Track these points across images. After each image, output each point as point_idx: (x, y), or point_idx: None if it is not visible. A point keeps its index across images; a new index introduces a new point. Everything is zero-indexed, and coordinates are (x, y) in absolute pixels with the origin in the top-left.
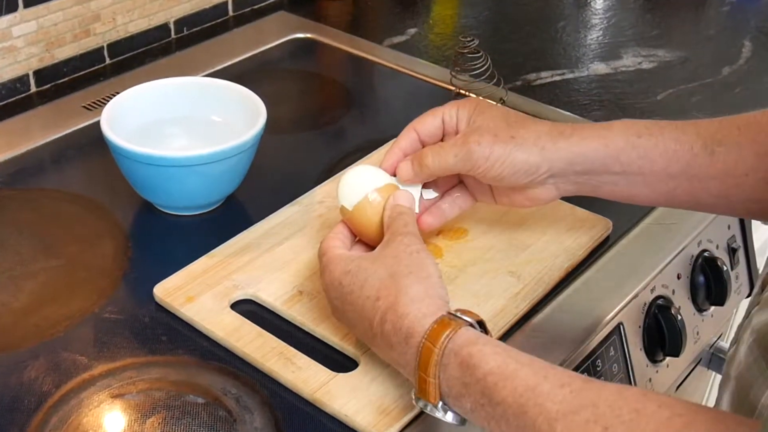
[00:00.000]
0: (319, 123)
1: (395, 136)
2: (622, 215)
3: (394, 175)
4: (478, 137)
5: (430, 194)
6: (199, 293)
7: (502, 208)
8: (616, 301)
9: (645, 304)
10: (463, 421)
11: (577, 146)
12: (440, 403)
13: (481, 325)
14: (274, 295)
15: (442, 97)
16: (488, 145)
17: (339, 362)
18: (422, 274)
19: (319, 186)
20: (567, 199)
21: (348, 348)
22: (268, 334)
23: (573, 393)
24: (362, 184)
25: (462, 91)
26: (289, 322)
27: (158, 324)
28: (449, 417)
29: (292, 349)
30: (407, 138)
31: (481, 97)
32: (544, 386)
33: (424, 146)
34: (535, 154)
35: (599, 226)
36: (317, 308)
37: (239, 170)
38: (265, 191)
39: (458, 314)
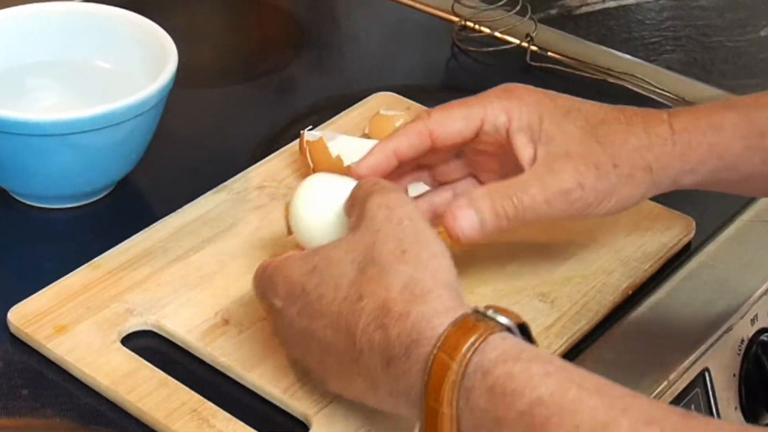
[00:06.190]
0: (256, 71)
1: (370, 91)
2: (708, 210)
3: None
4: (578, 175)
5: (419, 188)
6: (74, 321)
7: None
8: (700, 337)
9: (742, 341)
10: None
11: (685, 161)
12: None
13: (524, 332)
14: (186, 324)
15: (439, 31)
16: (592, 186)
17: (280, 425)
18: (422, 254)
19: (256, 165)
20: None
21: (293, 404)
22: (176, 382)
23: None
24: (327, 200)
25: (468, 24)
26: (208, 365)
27: (15, 368)
28: None
29: (210, 404)
30: (414, 138)
31: (507, 37)
32: (622, 423)
33: (435, 156)
34: (644, 183)
35: (676, 226)
36: (250, 344)
37: (137, 142)
38: (175, 172)
39: (489, 312)
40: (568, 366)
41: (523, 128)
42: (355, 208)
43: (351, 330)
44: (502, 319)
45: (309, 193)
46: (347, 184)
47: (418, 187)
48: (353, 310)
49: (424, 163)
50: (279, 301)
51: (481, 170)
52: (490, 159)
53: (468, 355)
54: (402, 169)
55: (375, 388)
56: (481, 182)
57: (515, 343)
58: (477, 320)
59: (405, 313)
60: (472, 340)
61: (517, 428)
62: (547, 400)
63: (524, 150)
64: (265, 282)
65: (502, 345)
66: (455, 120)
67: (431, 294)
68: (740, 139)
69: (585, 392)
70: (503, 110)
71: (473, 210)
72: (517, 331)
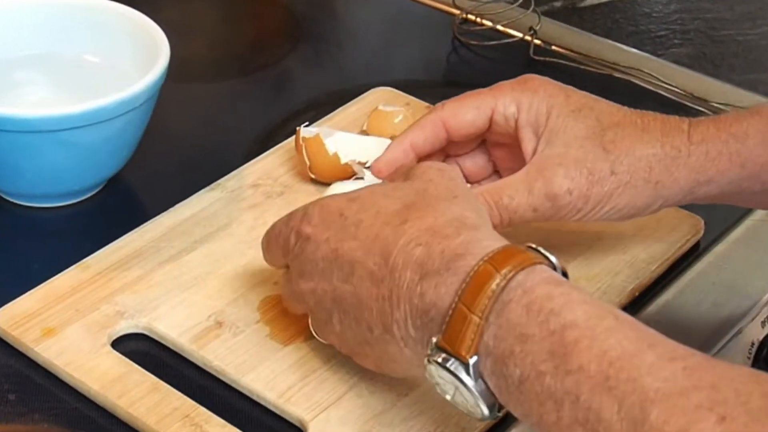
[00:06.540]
0: (251, 66)
1: (369, 86)
2: (718, 209)
3: None
4: (567, 180)
5: None
6: (63, 323)
7: None
8: (708, 340)
9: (752, 344)
10: (492, 408)
11: (701, 173)
12: (474, 360)
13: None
14: (178, 327)
15: (439, 25)
16: (582, 192)
17: (275, 430)
18: (472, 202)
19: (251, 162)
20: None
21: (289, 409)
22: (168, 386)
23: (687, 370)
24: None
25: (470, 17)
26: (202, 370)
27: (2, 372)
28: (477, 389)
29: (203, 410)
30: (429, 130)
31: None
32: (648, 356)
33: (450, 149)
34: (647, 194)
35: (684, 226)
36: (244, 347)
37: (128, 138)
38: (167, 170)
39: (540, 248)
40: (606, 303)
41: (530, 121)
42: (400, 178)
43: (387, 248)
44: (552, 257)
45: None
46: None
47: None
48: (394, 230)
49: (451, 156)
50: (310, 228)
51: (503, 168)
52: (508, 155)
53: (513, 272)
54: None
55: (390, 314)
56: None
57: (559, 275)
58: (528, 250)
59: (453, 234)
60: (520, 260)
61: (542, 346)
62: (581, 324)
63: (528, 144)
64: (295, 217)
65: (547, 272)
66: (467, 110)
67: (482, 227)
68: (765, 147)
69: (620, 323)
70: (514, 101)
71: None
72: (560, 273)
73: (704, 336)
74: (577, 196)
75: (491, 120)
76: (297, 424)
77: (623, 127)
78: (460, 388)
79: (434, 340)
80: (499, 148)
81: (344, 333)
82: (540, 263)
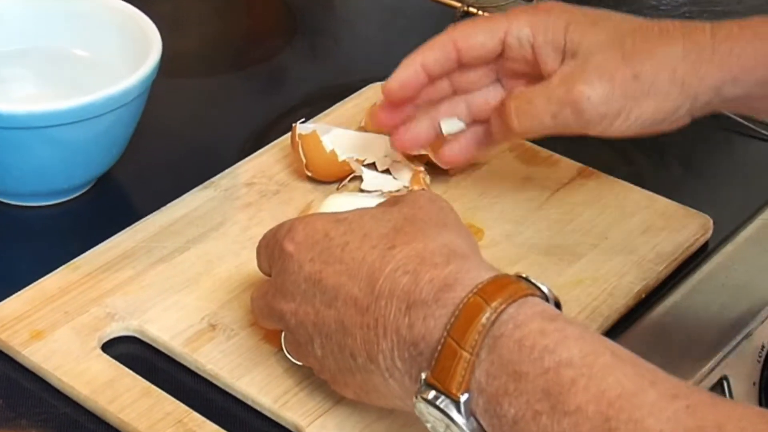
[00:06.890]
0: (245, 60)
1: (367, 81)
2: (727, 208)
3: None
4: (588, 86)
5: (454, 125)
6: (51, 326)
7: (536, 194)
8: (717, 343)
9: (762, 347)
10: None
11: (726, 71)
12: (465, 397)
13: (558, 309)
14: (170, 330)
15: (440, 18)
16: (604, 97)
17: None
18: (462, 232)
19: (245, 160)
20: (642, 184)
21: (285, 414)
22: (160, 391)
23: (690, 409)
24: None
25: (471, 9)
26: (195, 374)
27: None
28: (469, 427)
29: (196, 415)
30: (439, 51)
31: None
32: (649, 395)
33: (461, 81)
34: (673, 96)
35: (692, 225)
36: (238, 351)
37: (118, 135)
38: (159, 168)
39: (531, 278)
40: (602, 336)
41: (548, 40)
42: (389, 204)
43: (373, 275)
44: (543, 287)
45: (331, 211)
46: (371, 202)
47: (452, 123)
48: (382, 255)
49: (459, 88)
50: (292, 245)
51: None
52: (525, 86)
53: (504, 305)
54: (436, 92)
55: (375, 344)
56: None
57: (552, 308)
58: (519, 280)
59: (442, 263)
60: (510, 292)
61: (537, 384)
62: (577, 362)
63: (551, 63)
64: (282, 230)
65: (540, 305)
66: (479, 31)
67: (471, 257)
68: None
69: (618, 360)
70: (528, 24)
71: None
72: (553, 304)
73: (713, 339)
74: (598, 101)
75: (504, 43)
76: (292, 429)
77: (642, 31)
78: (452, 426)
79: (423, 376)
80: (516, 81)
81: (325, 359)
82: (531, 294)
